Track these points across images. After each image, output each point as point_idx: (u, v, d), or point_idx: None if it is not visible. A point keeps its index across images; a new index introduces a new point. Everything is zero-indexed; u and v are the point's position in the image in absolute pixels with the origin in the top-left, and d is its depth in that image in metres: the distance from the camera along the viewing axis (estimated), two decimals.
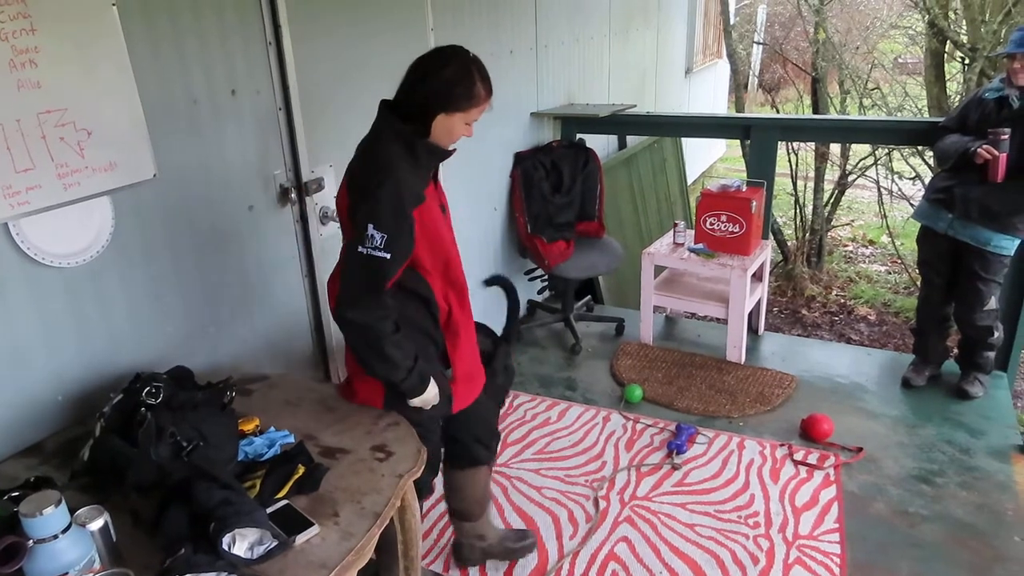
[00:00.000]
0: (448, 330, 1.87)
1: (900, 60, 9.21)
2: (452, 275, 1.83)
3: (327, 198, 2.52)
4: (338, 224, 2.57)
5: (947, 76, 6.25)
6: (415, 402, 1.79)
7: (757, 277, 3.82)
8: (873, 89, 7.20)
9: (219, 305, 2.19)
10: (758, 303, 3.94)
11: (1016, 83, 2.90)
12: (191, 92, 2.01)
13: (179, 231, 2.03)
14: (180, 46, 1.96)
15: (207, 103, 2.06)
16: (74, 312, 1.79)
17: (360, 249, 1.61)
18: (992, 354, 3.32)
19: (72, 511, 1.26)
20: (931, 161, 5.74)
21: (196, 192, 2.07)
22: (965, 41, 5.82)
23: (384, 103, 1.74)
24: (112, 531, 1.30)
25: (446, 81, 1.66)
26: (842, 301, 6.23)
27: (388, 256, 1.61)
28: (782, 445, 3.01)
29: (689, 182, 7.44)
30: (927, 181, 3.97)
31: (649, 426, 3.16)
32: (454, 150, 1.76)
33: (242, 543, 1.29)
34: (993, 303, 3.16)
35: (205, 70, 2.04)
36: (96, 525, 1.26)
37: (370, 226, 1.60)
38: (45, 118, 1.66)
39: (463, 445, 2.10)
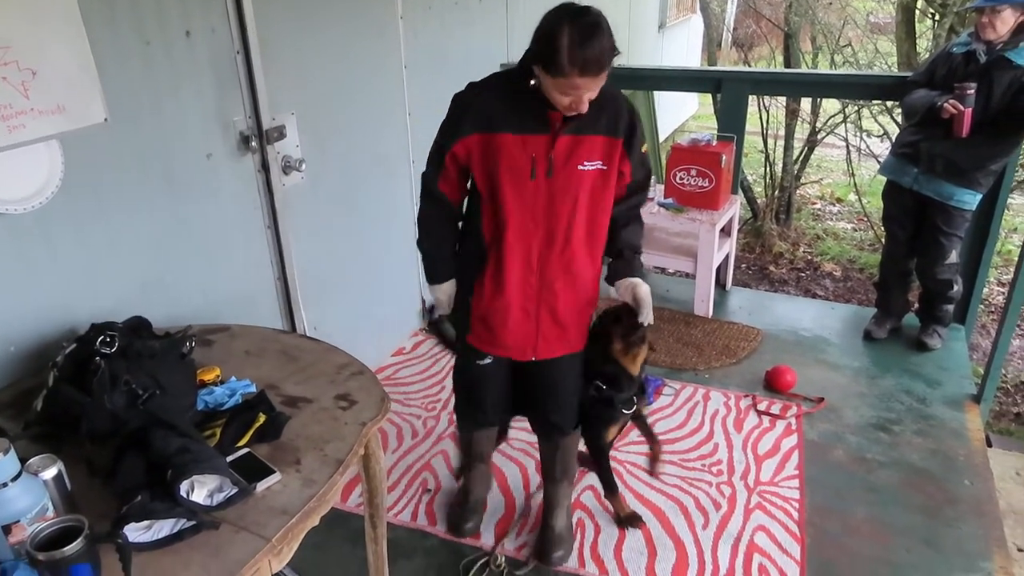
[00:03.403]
0: (483, 260, 1.90)
1: (872, 18, 9.19)
2: (497, 212, 1.82)
3: (289, 146, 2.45)
4: (301, 175, 2.53)
5: (917, 33, 6.25)
6: (430, 289, 2.05)
7: (726, 232, 3.84)
8: (845, 46, 7.19)
9: (177, 255, 2.13)
10: (726, 258, 3.97)
11: (984, 37, 2.91)
12: (143, 33, 1.92)
13: (134, 178, 1.96)
14: None
15: (160, 45, 1.98)
16: (23, 260, 1.72)
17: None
18: (951, 307, 3.40)
19: (26, 461, 1.23)
20: (899, 119, 5.78)
21: (151, 138, 1.99)
22: None
23: None
24: (67, 480, 1.28)
25: (539, 33, 1.60)
26: (809, 258, 6.31)
27: (430, 162, 1.88)
28: (746, 396, 3.07)
29: (661, 139, 7.41)
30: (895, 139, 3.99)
31: None
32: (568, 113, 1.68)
33: (201, 490, 1.28)
34: (954, 257, 3.22)
35: (157, 10, 1.95)
36: (49, 474, 1.23)
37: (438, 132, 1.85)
38: None
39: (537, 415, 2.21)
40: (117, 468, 1.28)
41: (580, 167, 1.77)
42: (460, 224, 1.99)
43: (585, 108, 1.66)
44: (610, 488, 2.36)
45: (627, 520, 2.37)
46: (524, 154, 1.75)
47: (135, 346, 1.53)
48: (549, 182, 1.77)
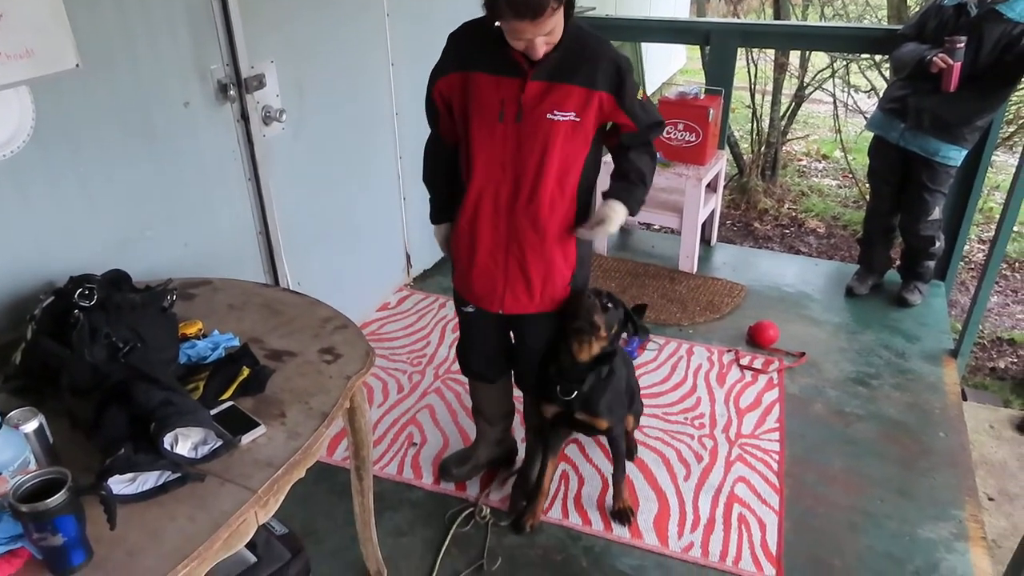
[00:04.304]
0: (460, 205, 1.90)
1: None
2: (468, 154, 1.83)
3: (269, 96, 2.39)
4: (282, 126, 2.47)
5: None
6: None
7: (711, 188, 3.83)
8: None
9: (157, 208, 2.09)
10: (711, 214, 3.96)
11: None
12: None
13: (109, 127, 1.91)
14: None
15: None
16: None
17: None
18: (932, 264, 3.43)
19: (6, 415, 1.22)
20: (888, 74, 5.73)
21: (126, 86, 1.93)
22: None
23: None
24: (48, 433, 1.27)
25: None
26: (793, 214, 6.32)
27: (427, 100, 1.91)
28: (729, 351, 3.10)
29: (649, 92, 7.32)
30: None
31: None
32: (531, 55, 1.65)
33: (185, 443, 1.27)
34: (937, 213, 3.23)
35: None
36: (30, 427, 1.22)
37: None
38: None
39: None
40: (99, 421, 1.27)
41: (550, 115, 1.74)
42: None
43: (539, 52, 1.64)
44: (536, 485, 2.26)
45: (618, 515, 2.26)
46: (496, 96, 1.74)
47: (114, 299, 1.51)
48: (518, 127, 1.75)
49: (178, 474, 1.23)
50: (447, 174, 1.96)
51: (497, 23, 1.64)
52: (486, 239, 1.89)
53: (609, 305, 1.97)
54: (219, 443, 1.30)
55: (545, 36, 1.61)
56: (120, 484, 1.20)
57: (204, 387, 1.45)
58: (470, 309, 2.07)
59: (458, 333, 2.23)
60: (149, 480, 1.22)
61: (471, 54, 1.76)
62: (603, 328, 1.94)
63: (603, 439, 2.34)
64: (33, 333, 1.47)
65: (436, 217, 2.07)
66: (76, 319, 1.43)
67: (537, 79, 1.72)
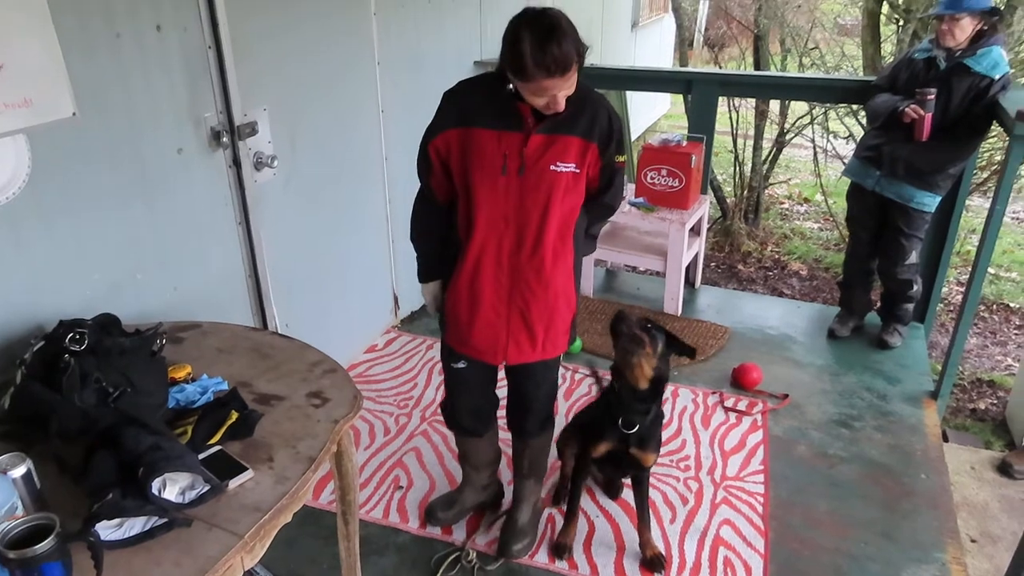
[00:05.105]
0: (456, 259, 1.91)
1: (840, 21, 9.36)
2: (469, 208, 1.83)
3: (261, 143, 2.44)
4: (273, 172, 2.52)
5: (882, 37, 6.39)
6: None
7: (695, 231, 3.90)
8: (812, 48, 7.32)
9: (148, 252, 2.11)
10: (695, 257, 4.03)
11: (944, 44, 3.00)
12: (112, 26, 1.90)
13: (104, 173, 1.94)
14: None
15: (130, 38, 1.96)
16: None
17: None
18: (911, 306, 3.50)
19: None
20: (864, 121, 5.90)
21: (121, 133, 1.97)
22: (900, 2, 5.96)
23: None
24: (36, 479, 1.27)
25: (504, 42, 1.63)
26: (776, 257, 6.42)
27: (419, 157, 1.90)
28: (714, 393, 3.13)
29: (633, 138, 7.48)
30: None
31: (587, 376, 3.23)
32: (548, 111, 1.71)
33: (173, 488, 1.28)
34: (914, 257, 3.31)
35: (127, 2, 1.93)
36: (18, 472, 1.22)
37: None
38: None
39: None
40: (88, 466, 1.28)
41: (553, 167, 1.78)
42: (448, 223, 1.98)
43: (562, 106, 1.69)
44: (568, 512, 2.30)
45: (651, 563, 2.24)
46: (498, 150, 1.77)
47: (105, 343, 1.52)
48: (521, 180, 1.78)
49: (165, 519, 1.23)
50: (437, 232, 1.97)
51: (510, 85, 1.69)
52: (488, 293, 1.89)
53: (649, 326, 2.00)
54: (206, 488, 1.30)
55: (564, 89, 1.67)
56: (107, 530, 1.20)
57: (192, 431, 1.46)
58: (461, 365, 2.07)
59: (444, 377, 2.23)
60: (136, 525, 1.23)
61: (470, 111, 1.79)
62: (647, 342, 1.94)
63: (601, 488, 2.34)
64: (23, 377, 1.48)
65: (426, 276, 2.06)
66: (66, 364, 1.44)
67: (540, 132, 1.76)
